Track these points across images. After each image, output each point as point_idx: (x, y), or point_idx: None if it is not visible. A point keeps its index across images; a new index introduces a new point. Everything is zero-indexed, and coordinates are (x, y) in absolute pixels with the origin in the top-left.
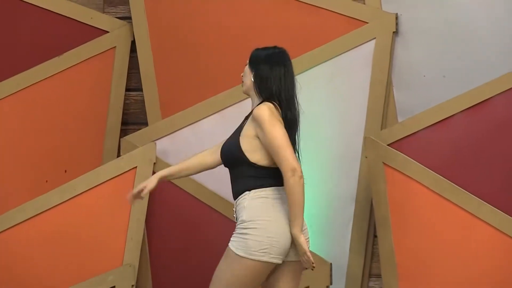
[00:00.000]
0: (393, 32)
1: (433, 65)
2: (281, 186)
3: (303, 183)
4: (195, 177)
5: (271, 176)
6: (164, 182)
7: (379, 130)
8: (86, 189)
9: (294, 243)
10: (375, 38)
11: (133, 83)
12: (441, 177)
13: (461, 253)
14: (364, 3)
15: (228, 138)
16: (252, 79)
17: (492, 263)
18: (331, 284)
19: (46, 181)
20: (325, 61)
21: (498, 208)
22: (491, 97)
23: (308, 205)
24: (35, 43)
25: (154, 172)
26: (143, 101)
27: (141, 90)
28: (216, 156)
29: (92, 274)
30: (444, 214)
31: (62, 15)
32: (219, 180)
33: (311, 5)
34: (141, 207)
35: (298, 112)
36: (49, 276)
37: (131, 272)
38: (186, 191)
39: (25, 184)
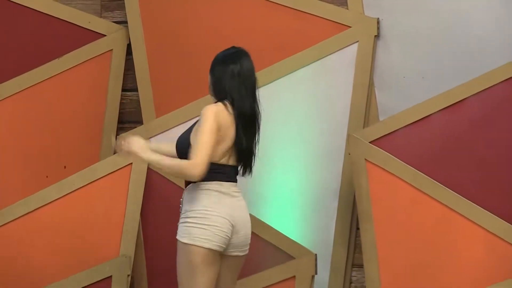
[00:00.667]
0: (375, 36)
1: (413, 67)
2: (225, 181)
3: (191, 177)
4: None
5: (216, 171)
6: (158, 178)
7: (362, 129)
8: (84, 184)
9: (234, 238)
10: (357, 41)
11: (129, 84)
12: (420, 172)
13: (439, 244)
14: (348, 9)
15: (183, 133)
16: (209, 83)
17: (469, 254)
18: (316, 273)
19: (47, 176)
20: (311, 63)
21: (473, 202)
22: (466, 98)
23: (294, 199)
24: (36, 46)
25: (148, 169)
26: (138, 101)
27: (136, 90)
28: (173, 148)
29: (90, 265)
30: (423, 207)
31: (61, 19)
32: None
33: (298, 10)
34: (136, 201)
35: (258, 110)
36: (49, 267)
37: (127, 263)
38: (179, 186)
39: (26, 179)
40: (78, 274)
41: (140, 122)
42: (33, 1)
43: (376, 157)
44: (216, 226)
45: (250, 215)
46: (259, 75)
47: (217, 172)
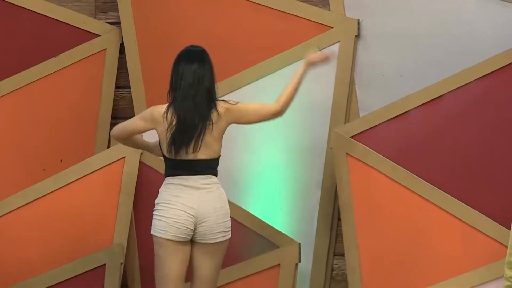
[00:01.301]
0: (356, 36)
1: (391, 66)
2: (189, 175)
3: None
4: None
5: (173, 166)
6: (150, 171)
7: (343, 124)
8: (80, 176)
9: (198, 227)
10: (339, 41)
11: (122, 82)
12: (398, 166)
13: (415, 233)
14: (330, 10)
15: None
16: None
17: (444, 243)
18: (299, 261)
19: (44, 169)
20: (295, 61)
21: (448, 193)
22: (443, 94)
23: (279, 191)
24: (34, 45)
25: (140, 162)
26: (131, 98)
27: (129, 87)
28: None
29: (85, 253)
30: (401, 199)
31: (58, 20)
32: None
33: (283, 12)
34: (129, 193)
35: (198, 110)
36: (46, 256)
37: (120, 251)
38: None
39: (24, 172)
40: (73, 262)
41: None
42: (31, 3)
43: (356, 151)
44: (172, 218)
45: (237, 206)
46: (246, 73)
47: (172, 166)
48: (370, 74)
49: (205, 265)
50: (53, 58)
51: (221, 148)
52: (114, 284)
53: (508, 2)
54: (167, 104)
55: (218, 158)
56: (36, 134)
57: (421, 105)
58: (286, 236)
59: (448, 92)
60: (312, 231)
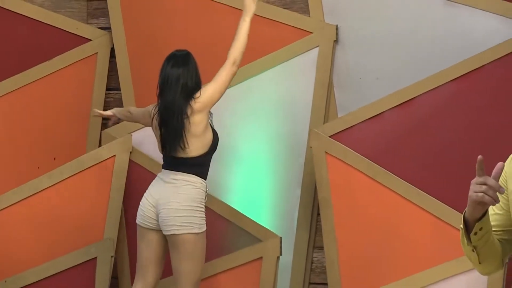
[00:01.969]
0: (334, 41)
1: (368, 69)
2: (164, 169)
3: None
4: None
5: (163, 160)
6: (139, 169)
7: (322, 124)
8: (72, 174)
9: (158, 217)
10: (318, 46)
11: (113, 84)
12: (375, 164)
13: (391, 228)
14: (309, 16)
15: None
16: None
17: (418, 237)
18: (281, 254)
19: (38, 167)
20: (276, 65)
21: (422, 190)
22: (417, 96)
23: (262, 188)
24: (29, 49)
25: (130, 160)
26: (121, 99)
27: (119, 89)
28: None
29: (77, 247)
30: (377, 195)
31: (52, 25)
32: None
33: (265, 17)
34: (119, 189)
35: (173, 107)
36: (39, 249)
37: (111, 245)
38: (155, 174)
39: (19, 170)
40: (66, 255)
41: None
42: (27, 9)
43: (335, 150)
44: (140, 205)
45: (222, 202)
46: None
47: (164, 162)
48: (348, 77)
49: (172, 256)
50: (47, 62)
51: (202, 147)
52: (105, 276)
53: (476, 8)
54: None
55: (198, 157)
56: (31, 133)
57: (395, 106)
58: (268, 230)
59: (421, 94)
60: (293, 226)
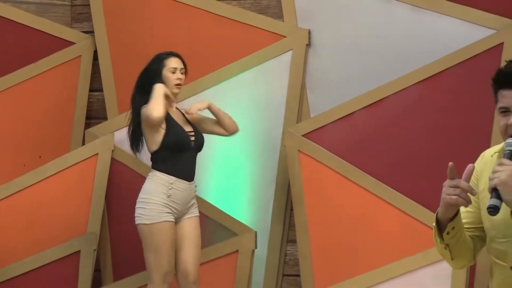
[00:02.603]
0: (306, 44)
1: (339, 72)
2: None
3: None
4: (145, 160)
5: None
6: (121, 166)
7: (295, 124)
8: (57, 171)
9: None
10: (292, 49)
11: (96, 85)
12: (345, 161)
13: (360, 223)
14: (283, 21)
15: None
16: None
17: (385, 231)
18: (256, 248)
19: (24, 165)
20: (252, 67)
21: (390, 186)
22: (385, 97)
23: (238, 185)
24: (16, 52)
25: (112, 158)
26: (103, 100)
27: (102, 90)
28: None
29: (61, 241)
30: (348, 191)
31: (38, 29)
32: None
33: (241, 22)
34: (101, 186)
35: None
36: (26, 243)
37: (93, 239)
38: (137, 173)
39: (6, 168)
40: (51, 249)
41: (105, 118)
42: (14, 14)
43: (307, 148)
44: None
45: (201, 198)
46: (208, 78)
47: None
48: (320, 79)
49: None
50: (33, 64)
51: (152, 144)
52: (88, 268)
53: (441, 14)
54: None
55: (153, 153)
56: (18, 132)
57: (364, 107)
58: (244, 225)
59: (388, 96)
60: (267, 221)
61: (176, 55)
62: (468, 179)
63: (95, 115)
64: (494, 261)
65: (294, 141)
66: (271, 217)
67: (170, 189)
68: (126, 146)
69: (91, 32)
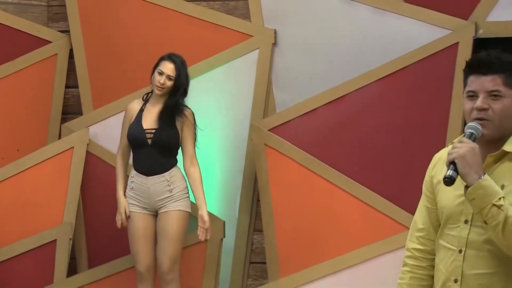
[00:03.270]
0: (273, 43)
1: (303, 69)
2: None
3: None
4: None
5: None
6: (95, 159)
7: (262, 119)
8: (34, 164)
9: None
10: (258, 48)
11: (71, 82)
12: (309, 154)
13: (324, 213)
14: (250, 21)
15: (165, 129)
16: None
17: (347, 221)
18: (224, 237)
19: (3, 158)
20: (221, 65)
21: (352, 178)
22: (347, 94)
23: (207, 177)
24: None
25: (87, 151)
26: (79, 96)
27: (77, 87)
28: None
29: (39, 230)
30: (311, 183)
31: (15, 28)
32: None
33: (210, 22)
34: (77, 177)
35: None
36: (3, 233)
37: (69, 228)
38: (111, 165)
39: None
40: (28, 238)
41: (80, 113)
42: None
43: (273, 142)
44: None
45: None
46: None
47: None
48: (285, 76)
49: None
50: (11, 62)
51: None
52: (64, 256)
53: (401, 15)
54: None
55: None
56: None
57: (327, 103)
58: (213, 215)
59: (350, 92)
60: (235, 211)
61: (172, 61)
62: None
63: (70, 110)
64: (445, 246)
65: (261, 135)
66: (239, 208)
67: (132, 182)
68: (100, 140)
69: (67, 32)
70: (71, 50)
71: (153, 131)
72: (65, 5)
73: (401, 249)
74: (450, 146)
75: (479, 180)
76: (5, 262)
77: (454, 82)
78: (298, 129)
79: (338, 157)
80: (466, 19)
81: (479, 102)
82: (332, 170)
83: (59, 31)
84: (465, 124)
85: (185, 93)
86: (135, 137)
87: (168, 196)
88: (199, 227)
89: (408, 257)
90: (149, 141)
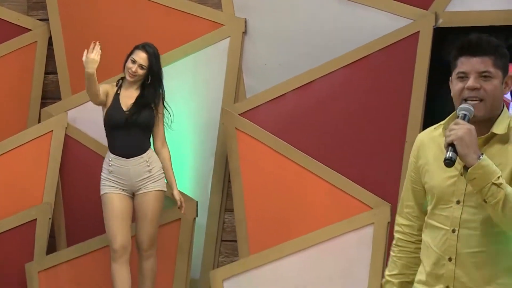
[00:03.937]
0: (243, 32)
1: (272, 57)
2: None
3: None
4: (96, 137)
5: None
6: (74, 142)
7: (232, 104)
8: (15, 146)
9: None
10: (229, 36)
11: (50, 68)
12: (278, 138)
13: (293, 194)
14: (222, 11)
15: (143, 108)
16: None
17: (315, 201)
18: (197, 216)
19: None
20: (192, 53)
21: (319, 161)
22: (314, 80)
23: (181, 159)
24: None
25: (66, 135)
26: (57, 82)
27: (56, 73)
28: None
29: (19, 210)
30: (280, 165)
31: None
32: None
33: (183, 11)
34: (56, 160)
35: None
36: None
37: (49, 208)
38: (89, 147)
39: None
40: (10, 217)
41: (59, 98)
42: None
43: (244, 126)
44: None
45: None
46: None
47: None
48: (255, 64)
49: None
50: None
51: None
52: (44, 235)
53: (366, 5)
54: None
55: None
56: None
57: (295, 88)
58: (186, 195)
59: (317, 79)
60: (207, 191)
61: (146, 51)
62: None
63: (50, 95)
64: (436, 226)
65: (231, 119)
66: (211, 189)
67: (110, 165)
68: (78, 123)
69: (46, 20)
70: (50, 38)
71: (131, 112)
72: None
73: (365, 227)
74: (430, 129)
75: (479, 160)
76: None
77: (415, 68)
78: (267, 113)
79: (305, 140)
80: (427, 10)
81: (471, 82)
82: (299, 153)
83: (38, 19)
84: (451, 107)
85: (160, 82)
86: (115, 118)
87: (148, 177)
88: (178, 204)
89: (397, 231)
90: (128, 121)
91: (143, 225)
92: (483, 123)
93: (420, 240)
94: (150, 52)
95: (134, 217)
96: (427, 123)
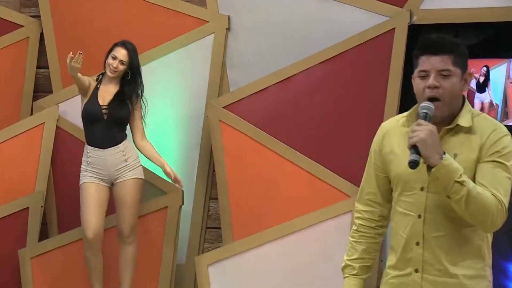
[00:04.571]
0: (227, 28)
1: (254, 52)
2: None
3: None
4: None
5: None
6: (65, 134)
7: (217, 97)
8: (8, 138)
9: None
10: (214, 33)
11: (42, 63)
12: (260, 130)
13: (273, 183)
14: (206, 8)
15: (121, 105)
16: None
17: (295, 190)
18: (183, 204)
19: None
20: (178, 49)
21: (299, 151)
22: (294, 75)
23: (168, 150)
24: None
25: (57, 127)
26: (49, 76)
27: (48, 68)
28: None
29: (12, 198)
30: (262, 156)
31: None
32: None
33: (168, 8)
34: (47, 151)
35: None
36: None
37: (41, 197)
38: (79, 139)
39: None
40: (3, 205)
41: (50, 91)
42: None
43: (227, 118)
44: None
45: None
46: (140, 57)
47: None
48: (238, 59)
49: None
50: None
51: None
52: (36, 222)
53: (344, 3)
54: None
55: None
56: None
57: (277, 83)
58: (172, 184)
59: (297, 73)
60: (192, 181)
61: (125, 47)
62: None
63: (41, 89)
64: (402, 212)
65: (216, 112)
66: (196, 177)
67: (88, 157)
68: (69, 116)
69: (38, 16)
70: (41, 34)
71: (108, 107)
72: None
73: (343, 215)
74: (394, 118)
75: (441, 160)
76: None
77: (391, 63)
78: (250, 106)
79: (286, 132)
80: (402, 7)
81: (431, 80)
82: (280, 144)
83: (30, 16)
84: (413, 103)
85: (140, 77)
86: (92, 112)
87: (125, 166)
88: (172, 178)
89: (357, 218)
90: (105, 116)
91: (123, 213)
92: (446, 119)
93: (380, 226)
94: (129, 49)
95: (114, 207)
96: None
